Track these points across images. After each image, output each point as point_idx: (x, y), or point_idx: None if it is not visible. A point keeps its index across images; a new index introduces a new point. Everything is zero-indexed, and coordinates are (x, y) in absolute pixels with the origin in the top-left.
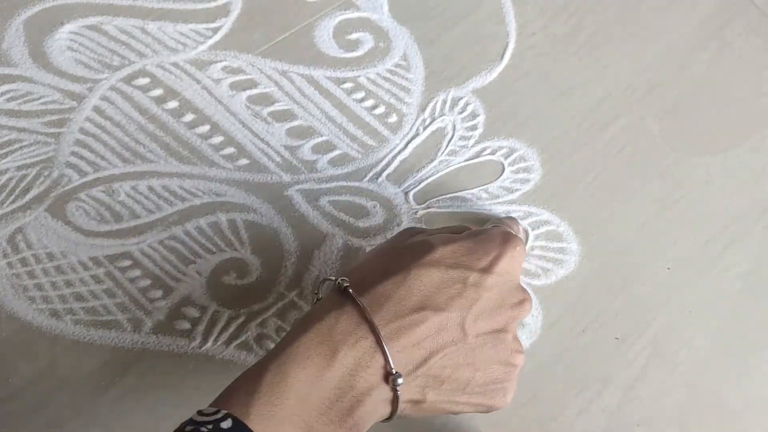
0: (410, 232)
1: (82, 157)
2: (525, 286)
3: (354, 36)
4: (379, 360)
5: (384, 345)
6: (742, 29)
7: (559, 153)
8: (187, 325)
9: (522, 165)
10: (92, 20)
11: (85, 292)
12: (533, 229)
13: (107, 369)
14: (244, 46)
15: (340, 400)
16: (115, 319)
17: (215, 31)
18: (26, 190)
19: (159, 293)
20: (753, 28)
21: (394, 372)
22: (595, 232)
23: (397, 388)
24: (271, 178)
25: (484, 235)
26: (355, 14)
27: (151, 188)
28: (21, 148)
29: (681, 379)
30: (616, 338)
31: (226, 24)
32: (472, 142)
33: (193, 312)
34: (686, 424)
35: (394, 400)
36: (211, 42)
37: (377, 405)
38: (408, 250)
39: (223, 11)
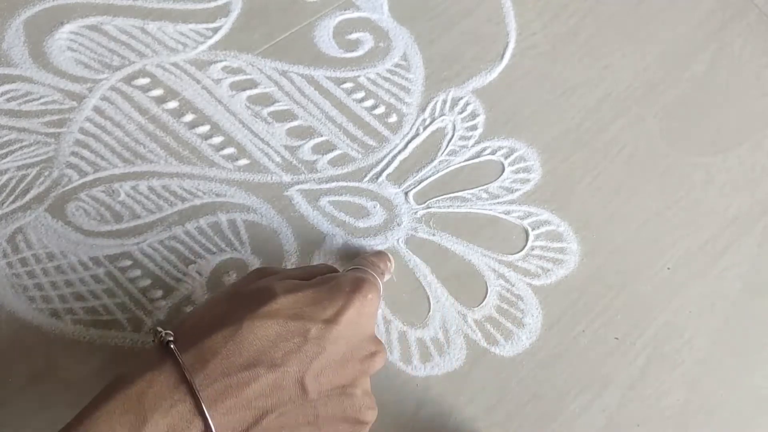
0: (258, 273)
1: (82, 157)
2: (379, 329)
3: (354, 36)
4: (198, 425)
5: (204, 408)
6: (742, 29)
7: (559, 153)
8: None
9: (522, 165)
10: (92, 20)
11: (85, 292)
12: (533, 229)
13: (107, 369)
14: (244, 46)
15: None
16: (115, 319)
17: (215, 31)
18: (26, 190)
19: (159, 293)
20: (753, 28)
21: None
22: (595, 232)
23: None
24: (271, 178)
25: (332, 283)
26: (355, 14)
27: (151, 188)
28: (21, 148)
29: (681, 379)
30: (616, 338)
31: (226, 24)
32: (472, 142)
33: None
34: (686, 424)
35: None
36: (211, 42)
37: None
38: (246, 298)
39: (223, 11)
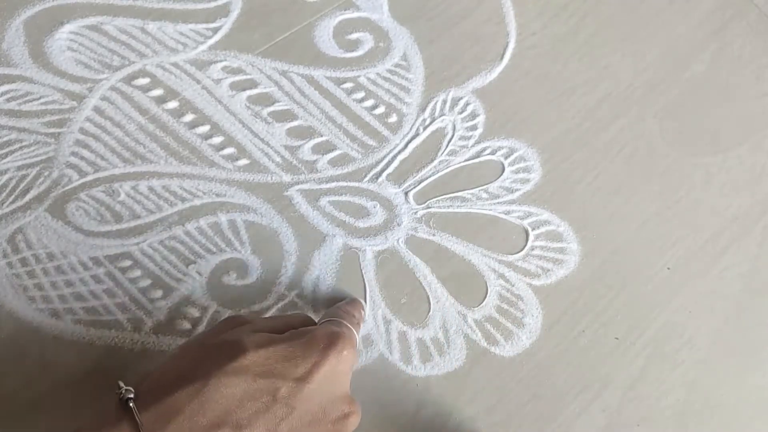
0: (229, 323)
1: (82, 157)
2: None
3: (354, 36)
4: None
5: None
6: (742, 29)
7: (559, 153)
8: (187, 326)
9: (522, 165)
10: (92, 20)
11: (85, 292)
12: (533, 229)
13: (107, 369)
14: (244, 46)
15: None
16: (115, 319)
17: (215, 31)
18: (26, 190)
19: (159, 293)
20: (753, 28)
21: None
22: (595, 232)
23: None
24: (271, 178)
25: (306, 338)
26: (355, 14)
27: (151, 188)
28: (21, 148)
29: (681, 379)
30: (616, 338)
31: (226, 24)
32: (472, 142)
33: (193, 312)
34: (686, 424)
35: None
36: (211, 42)
37: None
38: (215, 351)
39: (223, 11)
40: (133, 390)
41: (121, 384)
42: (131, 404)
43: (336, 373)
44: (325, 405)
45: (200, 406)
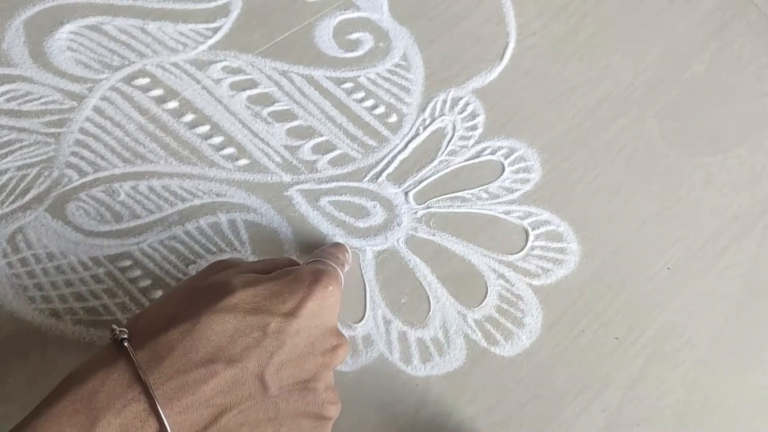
0: (217, 266)
1: (82, 157)
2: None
3: (354, 36)
4: (153, 425)
5: (159, 407)
6: (742, 29)
7: (559, 153)
8: None
9: (522, 165)
10: (92, 20)
11: (85, 292)
12: (533, 229)
13: None
14: (244, 46)
15: None
16: (115, 319)
17: (215, 31)
18: (26, 190)
19: (159, 293)
20: (753, 28)
21: None
22: (595, 232)
23: None
24: (271, 178)
25: (292, 275)
26: (355, 14)
27: (151, 188)
28: (21, 148)
29: (681, 379)
30: (616, 338)
31: (226, 24)
32: (472, 142)
33: None
34: (686, 424)
35: None
36: (211, 42)
37: None
38: (204, 292)
39: (223, 11)
40: (126, 330)
41: (115, 326)
42: (126, 344)
43: (323, 308)
44: (314, 338)
45: (192, 343)
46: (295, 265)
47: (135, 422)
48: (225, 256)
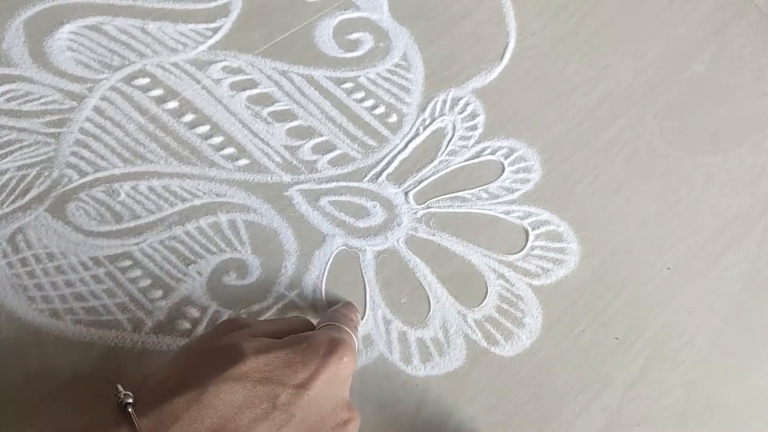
0: (227, 327)
1: (82, 157)
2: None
3: (354, 36)
4: None
5: None
6: (742, 29)
7: (559, 153)
8: (187, 325)
9: (522, 165)
10: (92, 20)
11: (85, 292)
12: (533, 229)
13: (107, 369)
14: (244, 46)
15: None
16: (115, 319)
17: (215, 31)
18: (26, 190)
19: (159, 293)
20: (753, 28)
21: None
22: (595, 232)
23: None
24: (271, 178)
25: (306, 343)
26: (355, 14)
27: (151, 188)
28: (21, 148)
29: (681, 379)
30: (616, 338)
31: (226, 24)
32: (472, 142)
33: (193, 312)
34: (686, 424)
35: None
36: (211, 42)
37: None
38: (213, 357)
39: (223, 11)
40: (131, 395)
41: (120, 388)
42: (130, 410)
43: (336, 380)
44: (325, 412)
45: (199, 413)
46: (310, 328)
47: None
48: (225, 256)
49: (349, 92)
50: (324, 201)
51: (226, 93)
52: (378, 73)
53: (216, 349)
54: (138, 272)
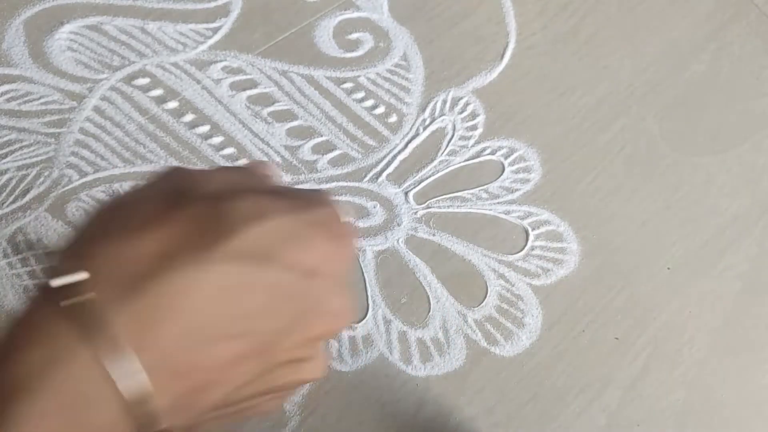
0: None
1: (82, 157)
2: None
3: (354, 36)
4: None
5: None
6: (742, 29)
7: (559, 153)
8: None
9: (522, 165)
10: (92, 20)
11: None
12: (533, 229)
13: None
14: (244, 46)
15: None
16: None
17: (215, 31)
18: (26, 190)
19: None
20: (753, 28)
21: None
22: (595, 232)
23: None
24: None
25: (318, 212)
26: (355, 14)
27: None
28: (21, 148)
29: (681, 379)
30: (616, 338)
31: (226, 24)
32: (472, 142)
33: None
34: (686, 424)
35: None
36: (211, 42)
37: None
38: (191, 220)
39: (223, 11)
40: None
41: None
42: (96, 309)
43: (342, 263)
44: (328, 296)
45: (172, 316)
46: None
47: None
48: None
49: (349, 92)
50: None
51: (226, 93)
52: (378, 73)
53: (195, 208)
54: None
